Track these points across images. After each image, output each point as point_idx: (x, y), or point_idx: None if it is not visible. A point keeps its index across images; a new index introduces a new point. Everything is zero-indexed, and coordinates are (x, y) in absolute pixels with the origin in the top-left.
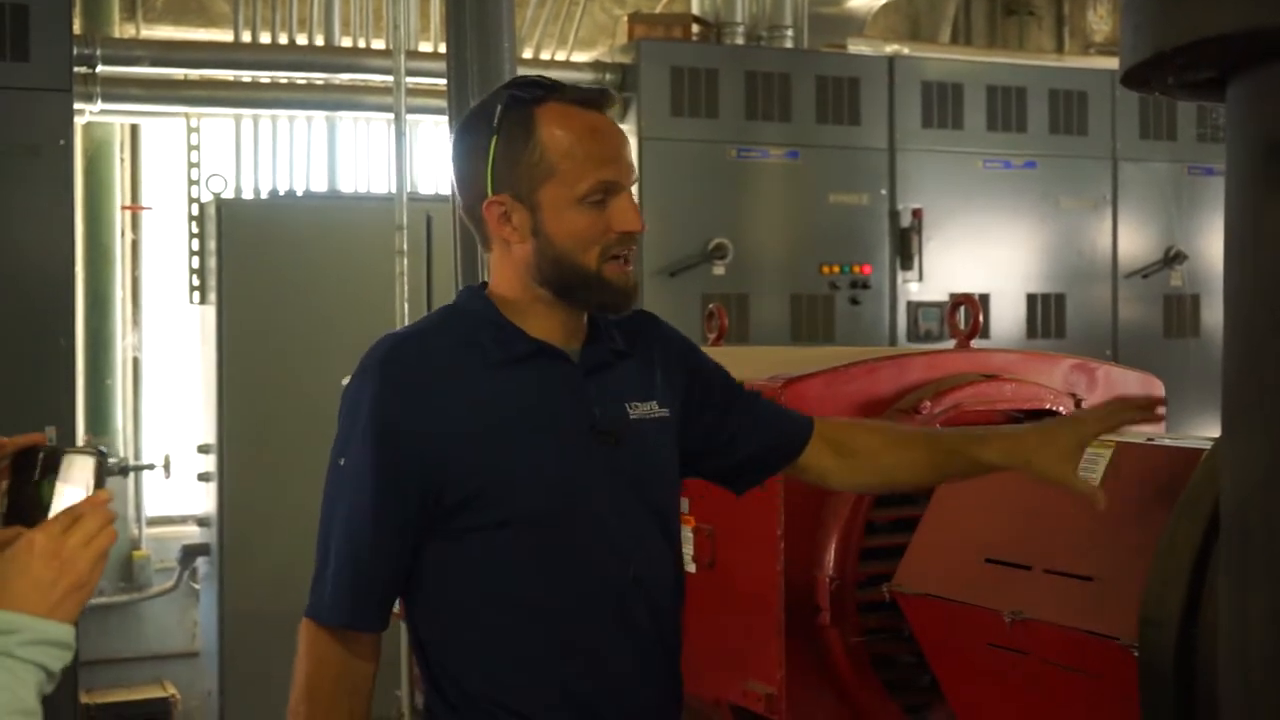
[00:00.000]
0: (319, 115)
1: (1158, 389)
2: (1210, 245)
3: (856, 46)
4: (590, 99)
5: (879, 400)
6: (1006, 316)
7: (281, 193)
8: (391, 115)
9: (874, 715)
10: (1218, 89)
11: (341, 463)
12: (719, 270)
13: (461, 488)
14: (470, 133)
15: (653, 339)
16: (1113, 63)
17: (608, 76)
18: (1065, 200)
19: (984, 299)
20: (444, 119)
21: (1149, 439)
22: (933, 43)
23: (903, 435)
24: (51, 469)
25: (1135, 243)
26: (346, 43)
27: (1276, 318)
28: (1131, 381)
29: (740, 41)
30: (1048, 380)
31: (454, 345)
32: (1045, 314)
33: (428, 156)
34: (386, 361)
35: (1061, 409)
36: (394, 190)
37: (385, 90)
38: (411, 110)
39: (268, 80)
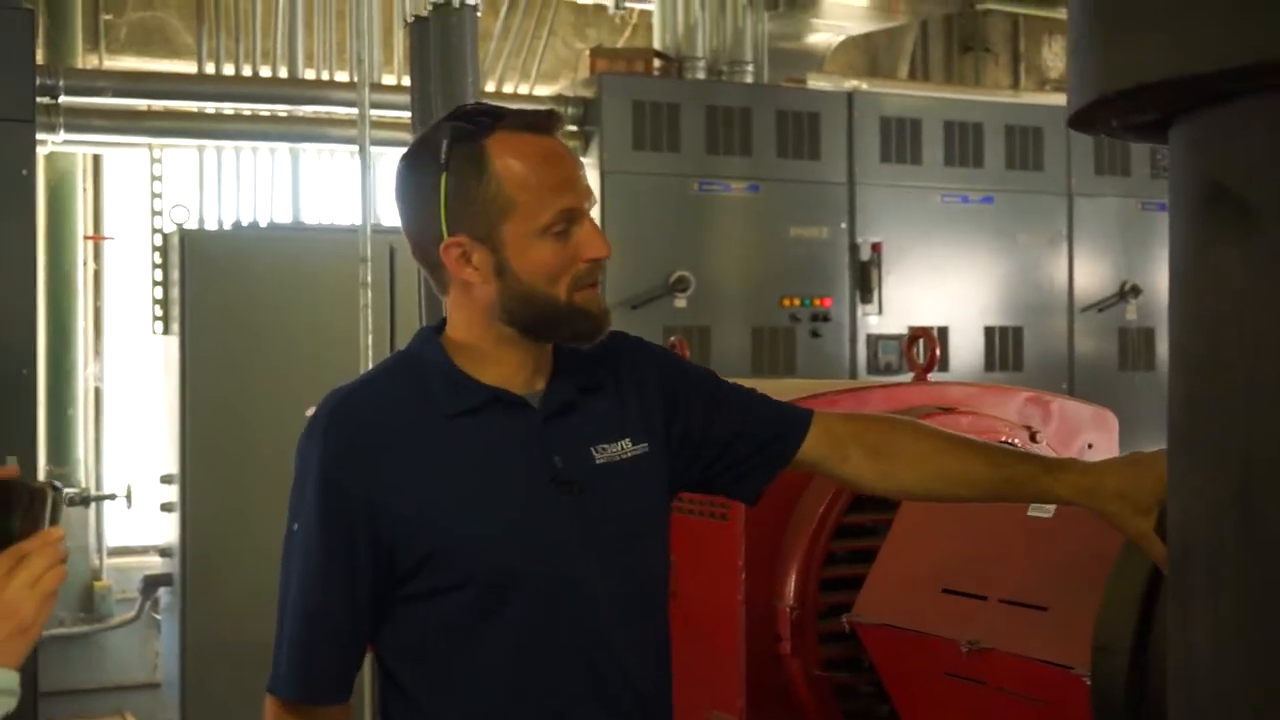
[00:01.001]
0: (282, 147)
1: (1112, 423)
2: (1163, 279)
3: (816, 82)
4: (539, 123)
5: None
6: (965, 349)
7: (245, 224)
8: (355, 147)
9: None
10: (1162, 130)
11: (295, 528)
12: (681, 303)
13: (415, 549)
14: (415, 171)
15: (624, 365)
16: (1062, 99)
17: (570, 110)
18: (1022, 235)
19: (943, 332)
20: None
21: None
22: (891, 78)
23: (961, 444)
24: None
25: (1090, 277)
26: (310, 75)
27: (1217, 354)
28: (1086, 415)
29: (701, 76)
30: (1003, 413)
31: (404, 397)
32: (1003, 347)
33: (392, 188)
34: (332, 421)
35: (1016, 441)
36: (358, 222)
37: (349, 122)
38: (376, 143)
39: (231, 111)
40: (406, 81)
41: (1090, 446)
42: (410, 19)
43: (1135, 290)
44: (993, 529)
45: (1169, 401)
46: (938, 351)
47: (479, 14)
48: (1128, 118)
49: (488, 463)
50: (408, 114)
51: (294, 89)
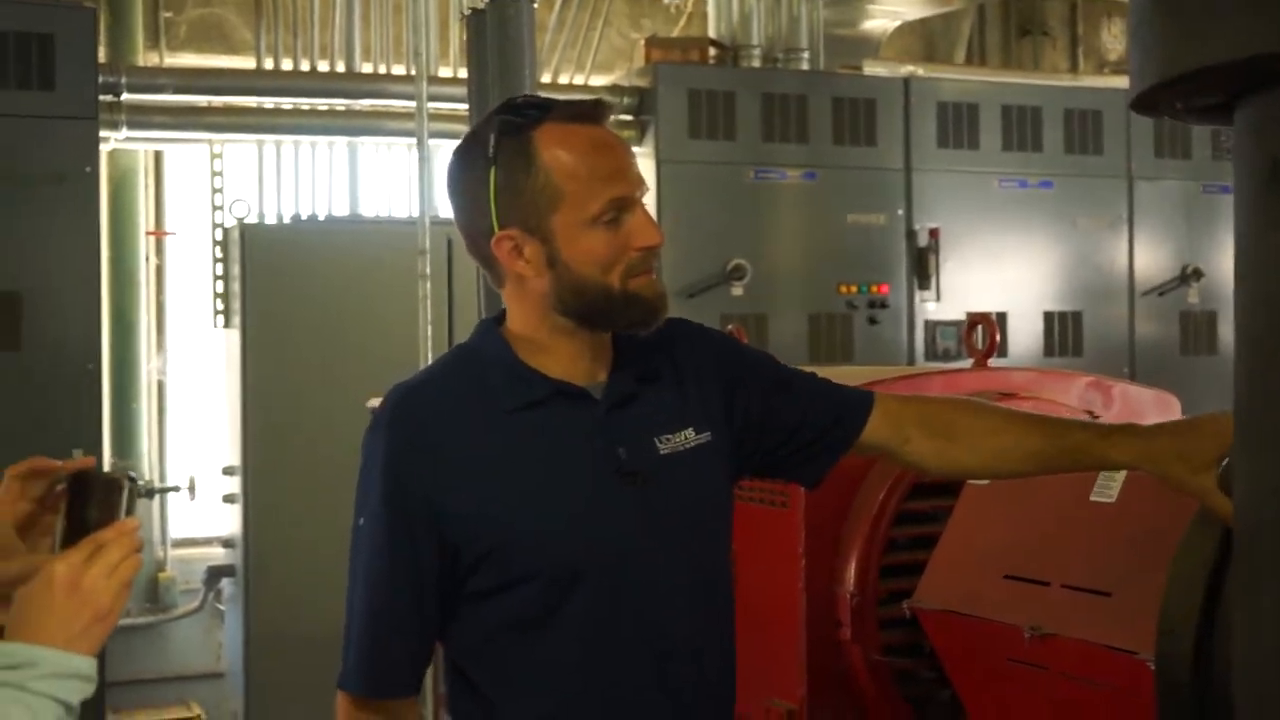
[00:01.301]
0: (340, 140)
1: (1174, 406)
2: (1225, 262)
3: (872, 68)
4: (586, 113)
5: None
6: (1024, 335)
7: (304, 217)
8: (413, 140)
9: None
10: (1225, 112)
11: (360, 523)
12: (738, 291)
13: (476, 546)
14: (466, 167)
15: (683, 351)
16: (1121, 82)
17: (625, 100)
18: (1081, 219)
19: (1001, 317)
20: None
21: None
22: (948, 63)
23: (1017, 420)
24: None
25: (1151, 261)
26: (367, 69)
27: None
28: (1148, 399)
29: (757, 64)
30: (1064, 398)
31: (466, 392)
32: (1062, 332)
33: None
34: (395, 417)
35: None
36: (416, 214)
37: (406, 115)
38: (434, 135)
39: (290, 106)
40: (463, 74)
41: None
42: (468, 12)
43: (1197, 274)
44: (1055, 514)
45: (1235, 383)
46: (997, 337)
47: (535, 5)
48: (1191, 100)
49: (550, 456)
50: (465, 106)
51: (351, 83)
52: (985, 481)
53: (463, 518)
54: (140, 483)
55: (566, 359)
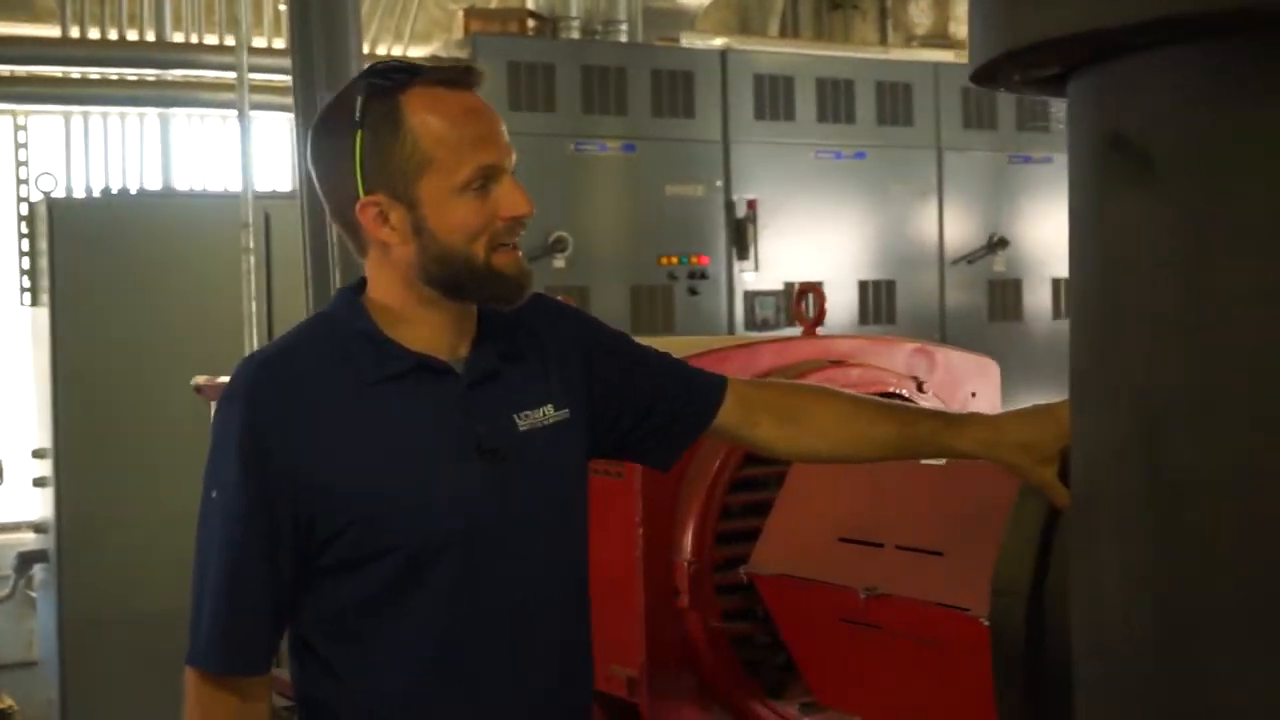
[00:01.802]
0: (152, 112)
1: (994, 371)
2: (1030, 231)
3: (689, 40)
4: (456, 78)
5: None
6: (839, 303)
7: (115, 191)
8: (226, 111)
9: (733, 695)
10: (1059, 83)
11: (213, 495)
12: (559, 263)
13: (334, 519)
14: (330, 131)
15: (544, 326)
16: (935, 55)
17: None
18: (894, 189)
19: (821, 286)
20: (281, 115)
21: None
22: (762, 36)
23: (866, 407)
24: None
25: (960, 230)
26: (178, 38)
27: (1119, 300)
28: (969, 364)
29: (576, 36)
30: (890, 364)
31: (325, 363)
32: (876, 300)
33: (265, 153)
34: (252, 387)
35: (904, 392)
36: (235, 188)
37: (219, 86)
38: (253, 107)
39: (98, 76)
40: (279, 44)
41: (974, 395)
42: None
43: (1003, 242)
44: (887, 479)
45: (1071, 349)
46: (826, 305)
47: None
48: (1030, 72)
49: (410, 431)
50: (281, 77)
51: (162, 52)
52: None
53: (321, 489)
54: None
55: (429, 331)
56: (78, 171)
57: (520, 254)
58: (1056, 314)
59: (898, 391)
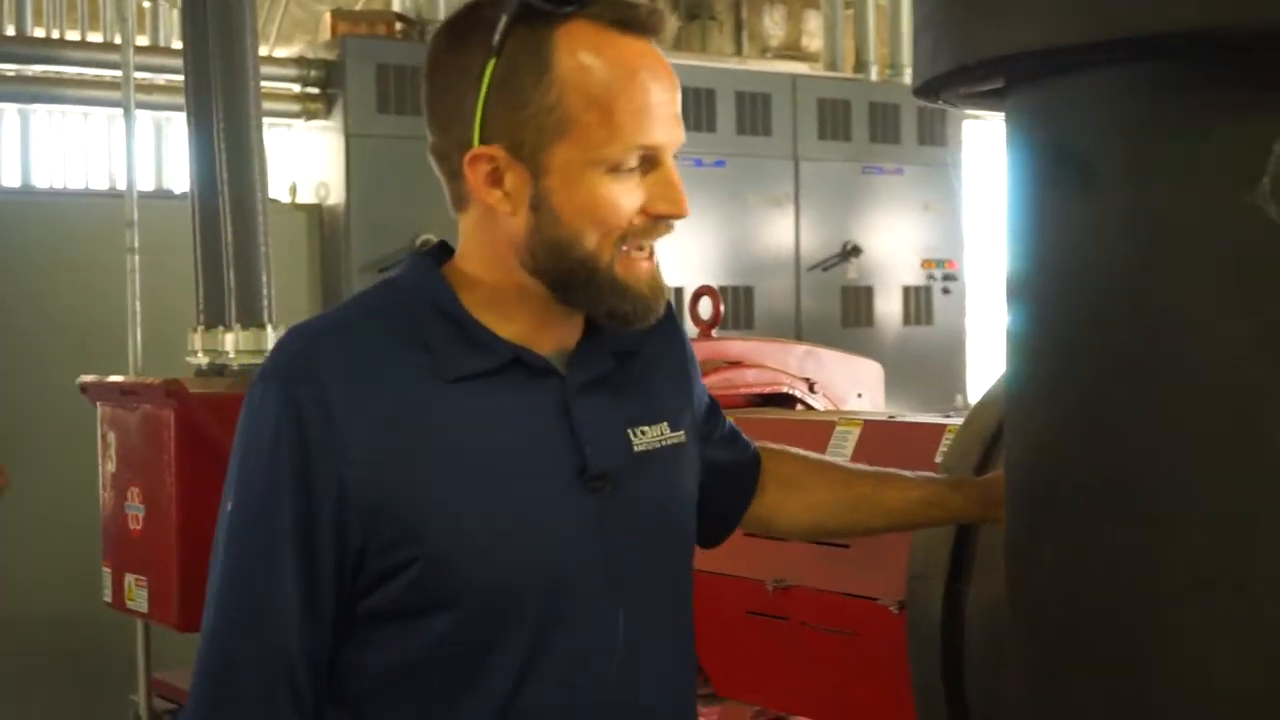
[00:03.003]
0: (10, 108)
1: (878, 373)
2: (880, 240)
3: None
4: (635, 19)
5: None
6: (706, 307)
7: None
8: (87, 108)
9: None
10: (996, 98)
11: (229, 508)
12: None
13: (393, 552)
14: (455, 49)
15: (660, 333)
16: (791, 66)
17: (313, 73)
18: (752, 197)
19: (678, 292)
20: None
21: (891, 417)
22: None
23: (855, 473)
24: None
25: (815, 238)
26: (40, 33)
27: (1061, 303)
28: (856, 366)
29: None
30: (783, 365)
31: (394, 348)
32: (735, 305)
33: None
34: (296, 369)
35: (798, 391)
36: (116, 186)
37: (82, 82)
38: (111, 104)
39: None
40: (141, 41)
41: (860, 395)
42: None
43: (856, 250)
44: None
45: (1009, 345)
46: (721, 308)
47: None
48: (976, 86)
49: (497, 446)
50: (145, 75)
51: (25, 47)
52: None
53: (376, 511)
54: None
55: (528, 318)
56: None
57: (656, 264)
58: (906, 320)
59: (791, 391)
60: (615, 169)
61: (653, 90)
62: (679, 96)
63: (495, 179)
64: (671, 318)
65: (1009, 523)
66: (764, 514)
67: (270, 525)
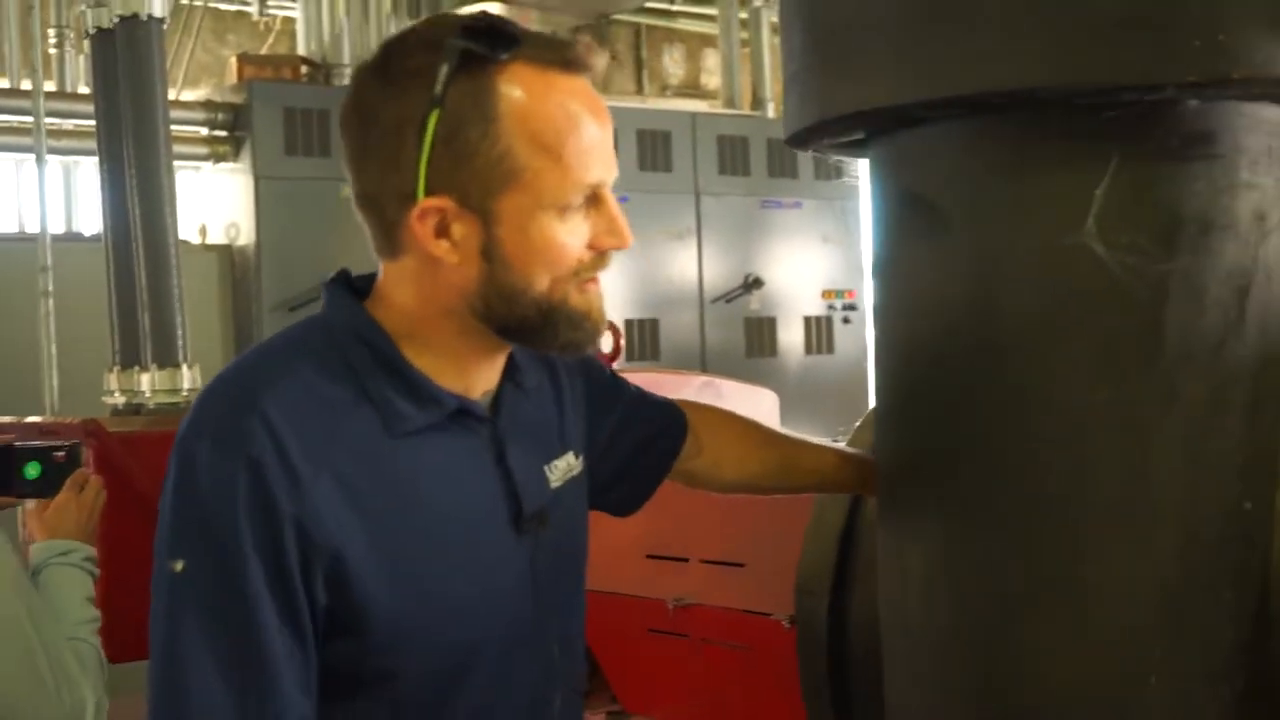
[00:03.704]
0: None
1: (773, 401)
2: (781, 272)
3: None
4: (572, 57)
5: None
6: (606, 340)
7: None
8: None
9: None
10: (860, 147)
11: (179, 569)
12: None
13: (345, 615)
14: (389, 96)
15: (554, 358)
16: (689, 104)
17: (220, 116)
18: (655, 231)
19: (613, 323)
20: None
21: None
22: None
23: (769, 431)
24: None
25: (718, 270)
26: None
27: (914, 336)
28: (751, 395)
29: (348, 82)
30: (683, 395)
31: (335, 399)
32: (642, 337)
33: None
34: (246, 434)
35: None
36: (25, 229)
37: None
38: (18, 149)
39: None
40: (48, 87)
41: None
42: (92, 30)
43: (758, 282)
44: (687, 499)
45: (875, 379)
46: (622, 341)
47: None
48: (839, 137)
49: (445, 501)
50: (52, 121)
51: None
52: None
53: (336, 568)
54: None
55: (457, 363)
56: None
57: (598, 290)
58: (808, 349)
59: None
60: (564, 210)
61: (594, 129)
62: (612, 130)
63: (442, 229)
64: None
65: (879, 533)
66: (699, 470)
67: (242, 591)
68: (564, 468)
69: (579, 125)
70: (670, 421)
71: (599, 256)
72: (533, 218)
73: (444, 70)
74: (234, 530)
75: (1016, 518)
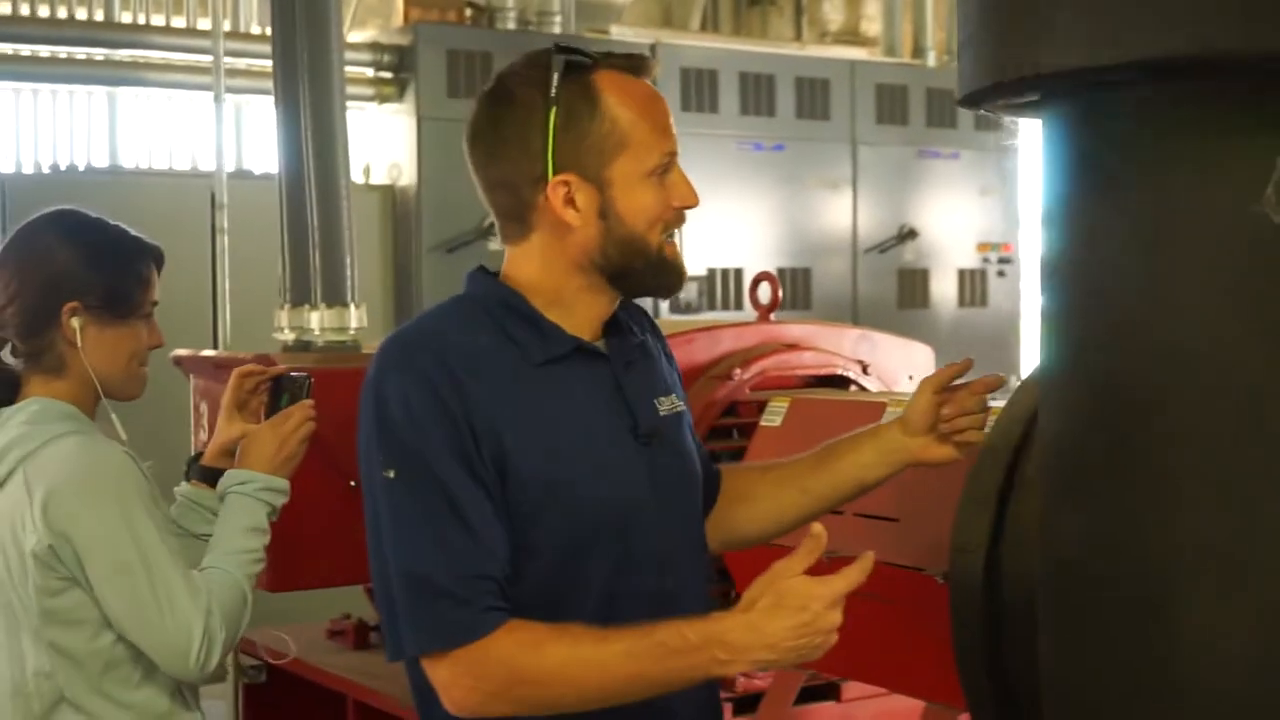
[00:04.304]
0: (100, 90)
1: (929, 356)
2: (937, 223)
3: (619, 32)
4: (638, 65)
5: (696, 368)
6: (765, 290)
7: (63, 168)
8: (172, 91)
9: None
10: (1033, 108)
11: (391, 476)
12: (495, 245)
13: (513, 492)
14: (510, 105)
15: (647, 330)
16: (849, 52)
17: (385, 58)
18: (810, 180)
19: (738, 273)
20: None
21: None
22: (684, 29)
23: (775, 470)
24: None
25: (872, 221)
26: (126, 18)
27: (1090, 298)
28: (907, 349)
29: (512, 26)
30: (838, 348)
31: (485, 342)
32: (793, 287)
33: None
34: (418, 357)
35: (851, 373)
36: (198, 166)
37: (165, 67)
38: (197, 88)
39: (47, 54)
40: (226, 26)
41: (910, 378)
42: None
43: (912, 233)
44: None
45: (1042, 338)
46: (780, 293)
47: None
48: (1012, 100)
49: (578, 414)
50: (228, 61)
51: (111, 32)
52: (777, 422)
53: (500, 459)
54: (310, 381)
55: (581, 316)
56: (26, 148)
57: (676, 247)
58: (961, 302)
59: (845, 373)
60: (654, 173)
61: (664, 110)
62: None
63: (570, 201)
64: (648, 316)
65: (1044, 495)
66: (718, 527)
67: (444, 478)
68: (669, 404)
69: (654, 104)
70: (709, 478)
71: (678, 214)
72: (635, 180)
73: (555, 77)
74: (425, 436)
75: (1189, 487)
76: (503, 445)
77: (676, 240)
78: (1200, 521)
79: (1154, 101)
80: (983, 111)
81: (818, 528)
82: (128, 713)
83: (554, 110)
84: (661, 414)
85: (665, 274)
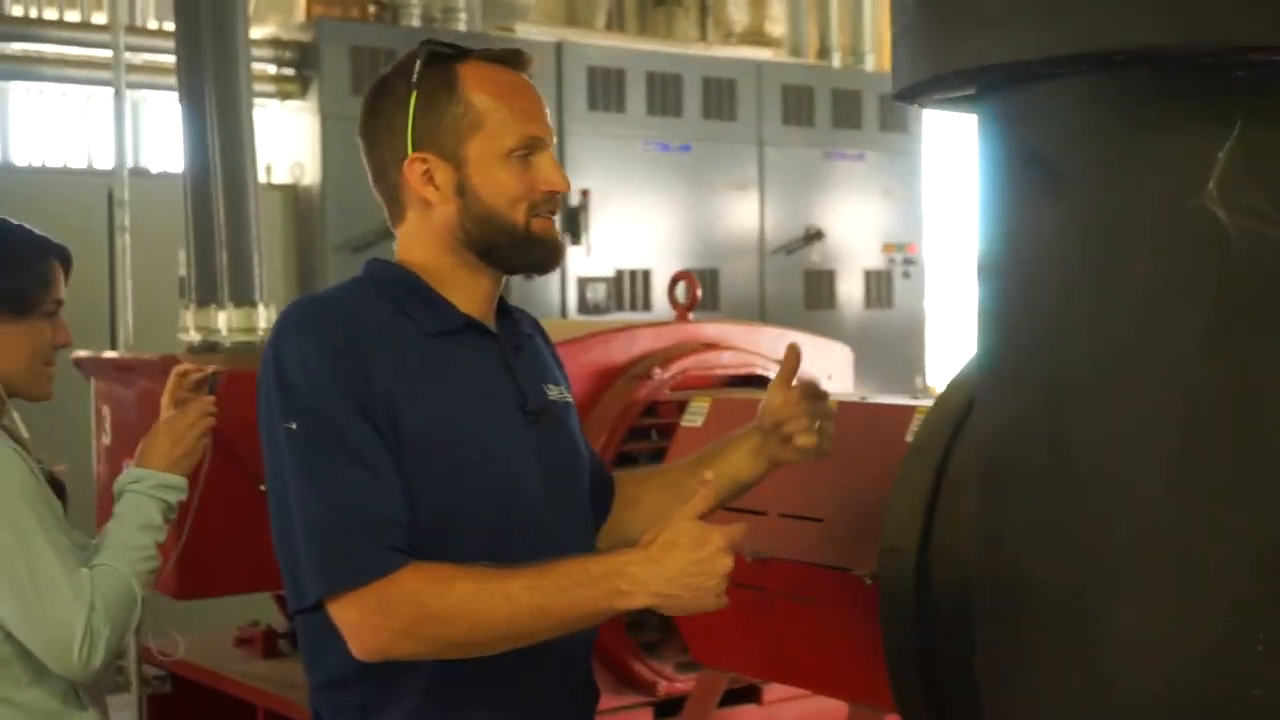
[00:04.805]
0: None
1: (848, 356)
2: (843, 224)
3: (525, 30)
4: (509, 57)
5: (614, 368)
6: (664, 290)
7: None
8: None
9: (613, 653)
10: (968, 103)
11: (294, 426)
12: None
13: (405, 456)
14: (384, 94)
15: (536, 332)
16: (755, 53)
17: (287, 54)
18: (717, 181)
19: (646, 274)
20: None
21: (862, 398)
22: (589, 28)
23: (674, 471)
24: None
25: (779, 221)
26: (18, 11)
27: (1029, 299)
28: (826, 349)
29: (416, 23)
30: (756, 348)
31: (383, 311)
32: (701, 288)
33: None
34: (322, 320)
35: (771, 373)
36: (94, 164)
37: (60, 61)
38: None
39: None
40: (99, 19)
41: (830, 378)
42: None
43: (819, 234)
44: None
45: (979, 338)
46: (698, 293)
47: None
48: (949, 93)
49: (469, 384)
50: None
51: (2, 26)
52: (698, 422)
53: (393, 417)
54: (216, 376)
55: (465, 296)
56: None
57: (554, 223)
58: (867, 303)
59: (764, 373)
60: (511, 155)
61: (528, 99)
62: (546, 109)
63: (428, 178)
64: (537, 323)
65: (980, 494)
66: (611, 532)
67: (344, 427)
68: (558, 393)
69: (517, 91)
70: (605, 490)
71: (549, 195)
72: (491, 160)
73: (417, 65)
74: (324, 390)
75: (1126, 482)
76: (394, 406)
77: (556, 221)
78: (1139, 521)
79: (1095, 95)
80: (918, 106)
81: (710, 474)
82: (19, 712)
83: (415, 94)
84: (550, 398)
85: (534, 248)
